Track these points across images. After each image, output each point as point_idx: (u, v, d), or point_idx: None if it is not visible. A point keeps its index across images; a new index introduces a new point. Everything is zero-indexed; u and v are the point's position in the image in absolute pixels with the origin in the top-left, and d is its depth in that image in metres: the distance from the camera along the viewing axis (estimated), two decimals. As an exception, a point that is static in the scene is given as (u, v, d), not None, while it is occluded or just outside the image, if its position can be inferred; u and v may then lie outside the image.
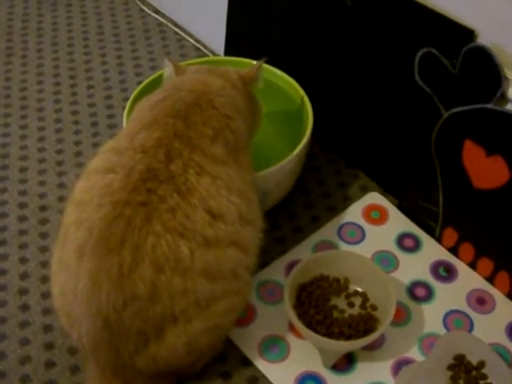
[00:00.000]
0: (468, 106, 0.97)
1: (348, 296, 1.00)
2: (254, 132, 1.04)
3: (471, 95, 0.96)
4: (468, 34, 0.96)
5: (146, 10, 1.65)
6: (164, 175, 0.82)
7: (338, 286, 1.00)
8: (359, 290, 1.00)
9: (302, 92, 1.15)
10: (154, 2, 1.67)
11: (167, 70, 1.03)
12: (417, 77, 1.02)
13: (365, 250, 1.08)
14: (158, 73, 1.17)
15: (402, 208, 1.15)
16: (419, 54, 1.00)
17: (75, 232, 0.82)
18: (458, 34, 0.96)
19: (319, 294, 0.98)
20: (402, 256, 1.09)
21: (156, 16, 1.63)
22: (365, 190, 1.20)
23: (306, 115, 1.12)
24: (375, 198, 1.18)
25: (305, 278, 0.99)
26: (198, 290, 0.81)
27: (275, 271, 1.06)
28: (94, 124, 1.36)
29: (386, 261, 1.08)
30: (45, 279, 1.07)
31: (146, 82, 1.17)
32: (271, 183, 1.06)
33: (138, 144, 0.85)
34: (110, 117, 1.37)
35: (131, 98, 1.13)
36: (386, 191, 1.19)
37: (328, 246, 1.10)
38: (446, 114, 1.01)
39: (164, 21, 1.62)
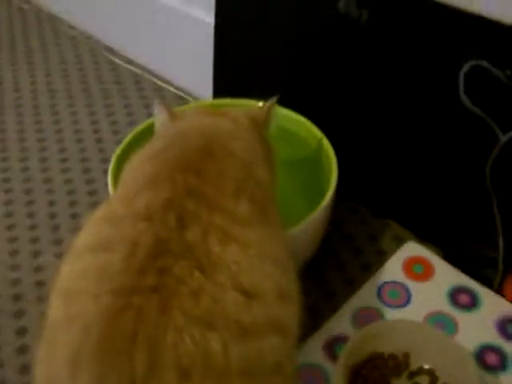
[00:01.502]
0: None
1: (411, 375, 0.80)
2: (274, 183, 0.85)
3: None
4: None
5: (117, 60, 1.48)
6: (179, 247, 0.62)
7: (397, 364, 0.81)
8: (425, 366, 0.81)
9: (319, 134, 0.97)
10: (124, 52, 1.50)
11: (159, 117, 0.85)
12: (462, 96, 0.85)
13: (414, 313, 0.89)
14: (145, 123, 1.00)
15: (448, 258, 0.97)
16: (464, 68, 0.83)
17: (65, 334, 0.61)
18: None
19: (377, 378, 0.78)
20: (459, 316, 0.90)
21: (129, 66, 1.46)
22: (399, 241, 1.01)
23: (327, 161, 0.94)
24: (414, 248, 0.99)
25: (355, 359, 0.79)
26: (235, 396, 0.61)
27: (312, 352, 0.86)
28: (71, 192, 1.17)
29: (441, 324, 0.89)
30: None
31: (127, 138, 0.98)
32: (295, 245, 0.87)
33: (140, 208, 0.65)
34: (89, 182, 1.19)
35: (113, 158, 0.94)
36: (423, 239, 1.01)
37: (369, 312, 0.91)
38: (504, 138, 0.83)
39: (138, 71, 1.44)
